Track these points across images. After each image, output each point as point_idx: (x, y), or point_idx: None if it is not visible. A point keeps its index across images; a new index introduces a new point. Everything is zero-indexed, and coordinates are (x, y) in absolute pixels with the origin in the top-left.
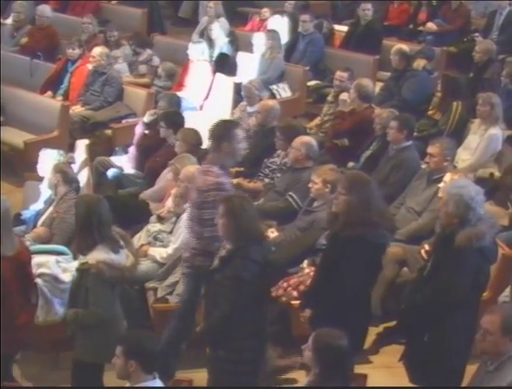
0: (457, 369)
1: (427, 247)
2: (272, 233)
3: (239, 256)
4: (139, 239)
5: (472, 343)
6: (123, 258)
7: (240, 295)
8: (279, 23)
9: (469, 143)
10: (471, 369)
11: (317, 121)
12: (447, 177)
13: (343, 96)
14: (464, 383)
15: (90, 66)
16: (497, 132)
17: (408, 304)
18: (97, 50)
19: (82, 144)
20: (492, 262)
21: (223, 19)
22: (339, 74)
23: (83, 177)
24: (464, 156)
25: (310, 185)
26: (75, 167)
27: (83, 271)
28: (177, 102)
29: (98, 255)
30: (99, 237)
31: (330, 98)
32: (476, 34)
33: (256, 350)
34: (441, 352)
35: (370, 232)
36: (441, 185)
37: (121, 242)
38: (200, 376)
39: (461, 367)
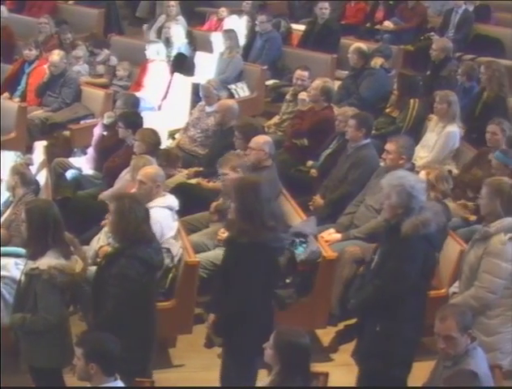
0: (406, 358)
1: None
2: None
3: (125, 255)
4: (99, 240)
5: (422, 330)
6: (74, 263)
7: (126, 293)
8: (237, 23)
9: (427, 141)
10: (427, 365)
11: (275, 119)
12: (421, 174)
13: (302, 95)
14: (422, 379)
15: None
16: (455, 129)
17: (357, 297)
18: (55, 58)
19: (40, 146)
20: (438, 248)
21: (181, 19)
22: (300, 73)
23: (42, 178)
24: (422, 154)
25: (221, 178)
26: (33, 168)
27: (32, 275)
28: (133, 102)
29: (50, 261)
30: (52, 241)
31: (288, 96)
32: (432, 33)
33: (145, 349)
34: (391, 341)
35: (266, 238)
36: None
37: (71, 247)
38: (162, 377)
39: (410, 355)
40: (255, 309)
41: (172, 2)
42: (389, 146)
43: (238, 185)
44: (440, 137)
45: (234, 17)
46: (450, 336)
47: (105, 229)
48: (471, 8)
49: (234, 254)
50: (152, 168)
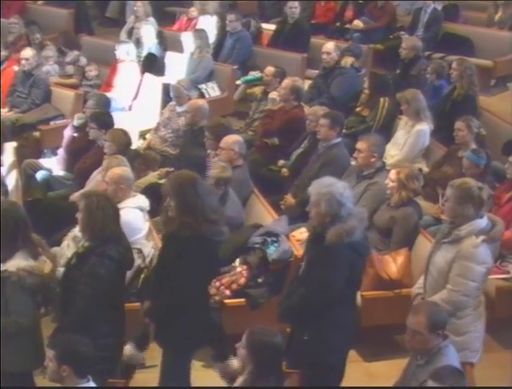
0: (337, 366)
1: None
2: None
3: (95, 253)
4: (68, 247)
5: (350, 338)
6: (42, 264)
7: (96, 291)
8: (208, 22)
9: (397, 139)
10: (400, 363)
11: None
12: (392, 174)
13: (273, 94)
14: (394, 378)
15: (16, 68)
16: (425, 128)
17: (283, 305)
18: (29, 52)
19: (9, 147)
20: (365, 256)
21: (152, 19)
22: (266, 68)
23: (12, 180)
24: (393, 152)
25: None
26: (3, 170)
27: (1, 278)
28: (105, 102)
29: (18, 262)
30: (22, 242)
31: (259, 94)
32: (402, 32)
33: (114, 347)
34: (320, 349)
35: (207, 231)
36: (387, 181)
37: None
38: (135, 377)
39: (341, 363)
40: (193, 302)
41: (139, 3)
42: (360, 144)
43: (175, 181)
44: (410, 135)
45: (207, 16)
46: (417, 332)
47: (73, 234)
48: (439, 7)
49: (175, 248)
50: (119, 170)
